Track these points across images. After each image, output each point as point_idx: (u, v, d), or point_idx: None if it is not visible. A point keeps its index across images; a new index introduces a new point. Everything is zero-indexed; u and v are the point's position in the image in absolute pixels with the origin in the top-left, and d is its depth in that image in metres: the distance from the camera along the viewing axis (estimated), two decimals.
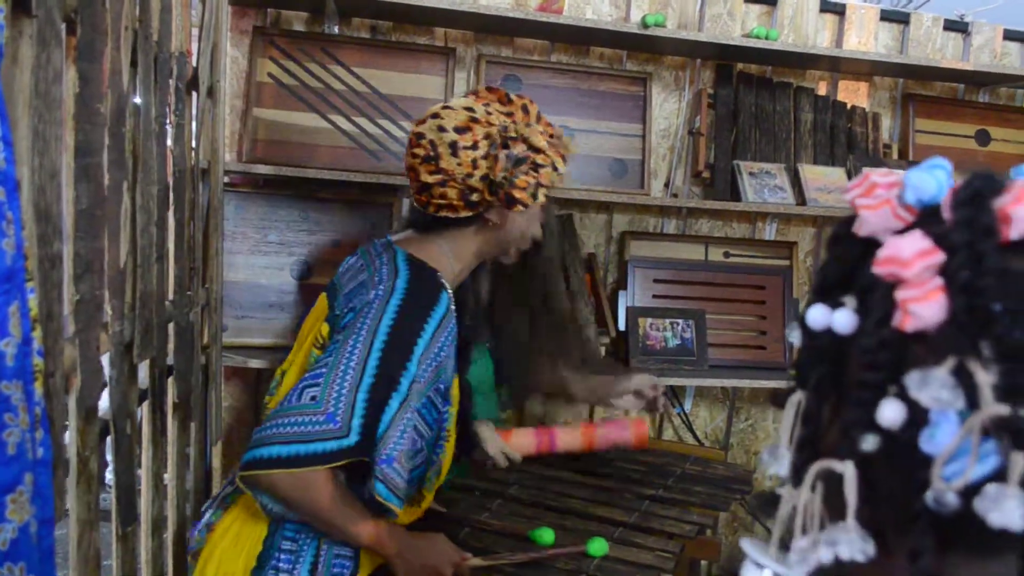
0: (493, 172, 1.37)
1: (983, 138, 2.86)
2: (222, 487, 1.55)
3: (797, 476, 0.47)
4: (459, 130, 1.39)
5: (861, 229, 0.47)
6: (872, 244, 0.46)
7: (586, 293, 2.48)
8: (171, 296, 1.66)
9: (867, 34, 2.75)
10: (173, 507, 1.78)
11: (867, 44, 2.75)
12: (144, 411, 1.64)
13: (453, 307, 1.41)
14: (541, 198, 1.41)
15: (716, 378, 2.49)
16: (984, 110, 2.88)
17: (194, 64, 1.87)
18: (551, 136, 1.44)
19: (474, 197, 1.40)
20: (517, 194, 1.37)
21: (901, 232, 0.45)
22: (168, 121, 1.59)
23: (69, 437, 1.14)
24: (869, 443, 0.43)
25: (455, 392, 1.49)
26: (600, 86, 2.55)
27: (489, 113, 1.42)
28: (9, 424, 0.66)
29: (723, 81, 2.65)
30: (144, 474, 1.61)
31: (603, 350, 2.50)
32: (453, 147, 1.38)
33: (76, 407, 1.16)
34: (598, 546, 1.44)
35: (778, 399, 0.51)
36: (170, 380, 1.71)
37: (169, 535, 1.79)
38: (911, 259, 0.42)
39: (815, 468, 0.45)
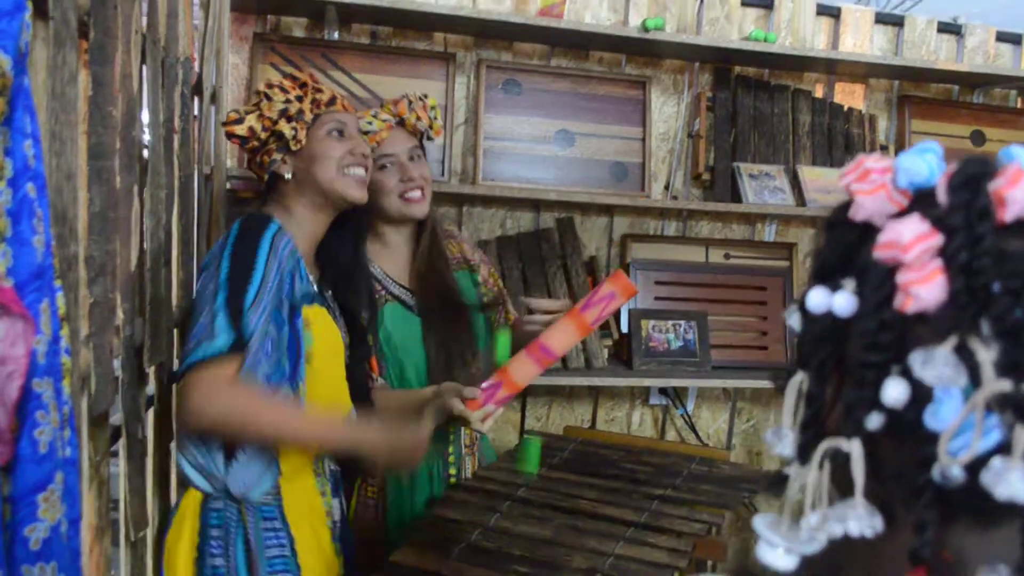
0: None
1: (978, 139, 2.89)
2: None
3: (803, 455, 0.48)
4: None
5: (857, 214, 0.47)
6: (868, 228, 0.47)
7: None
8: (176, 301, 1.65)
9: (862, 37, 2.77)
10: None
11: (863, 47, 2.77)
12: (151, 417, 1.63)
13: (285, 231, 1.47)
14: (287, 131, 1.50)
15: (719, 379, 2.50)
16: (979, 111, 2.91)
17: (197, 70, 1.87)
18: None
19: (257, 160, 1.54)
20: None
21: (896, 216, 0.46)
22: (173, 126, 1.59)
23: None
24: (874, 422, 0.44)
25: (318, 322, 1.50)
26: (600, 90, 2.56)
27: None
28: (41, 422, 0.65)
29: (721, 84, 2.67)
30: (149, 480, 1.61)
31: (606, 352, 2.50)
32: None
33: (88, 411, 1.16)
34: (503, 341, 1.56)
35: (778, 382, 0.52)
36: (175, 387, 1.71)
37: None
38: (910, 243, 0.43)
39: (823, 447, 0.46)
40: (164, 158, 1.50)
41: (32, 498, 0.66)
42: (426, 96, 1.79)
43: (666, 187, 2.67)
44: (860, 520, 0.44)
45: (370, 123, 1.74)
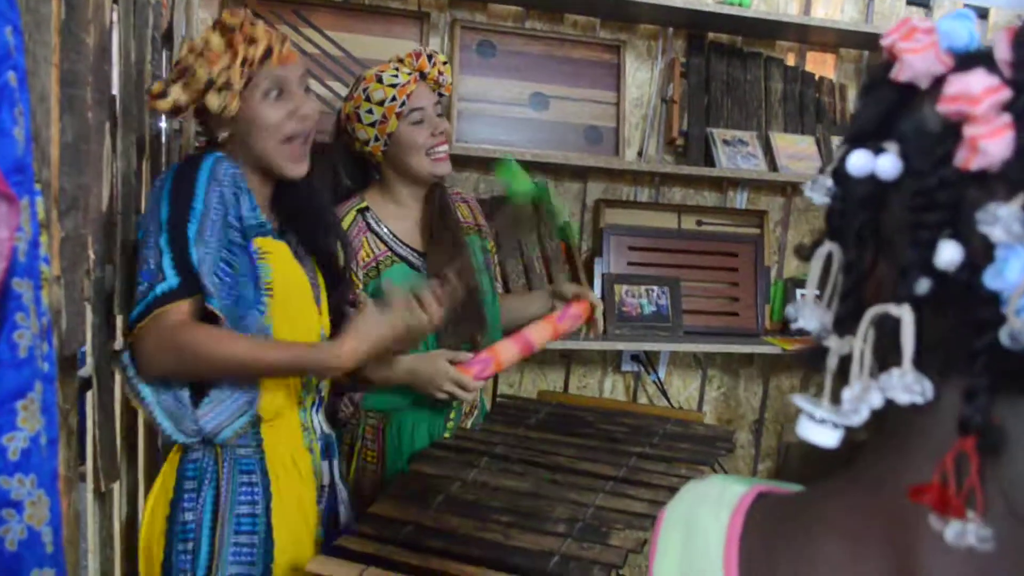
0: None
1: None
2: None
3: (843, 325, 0.46)
4: None
5: (901, 74, 0.46)
6: (909, 89, 0.46)
7: (562, 260, 2.48)
8: None
9: (833, 7, 2.79)
10: (144, 473, 1.73)
11: (834, 16, 2.78)
12: (117, 373, 1.59)
13: (227, 159, 1.38)
14: (214, 104, 1.35)
15: (691, 343, 2.51)
16: None
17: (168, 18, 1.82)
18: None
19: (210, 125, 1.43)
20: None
21: (942, 78, 0.45)
22: (143, 69, 1.54)
23: None
24: (923, 286, 0.43)
25: (276, 253, 1.42)
26: (574, 53, 2.54)
27: None
28: (20, 324, 0.62)
29: (695, 51, 2.66)
30: (117, 438, 1.56)
31: None
32: None
33: (57, 354, 1.11)
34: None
35: (803, 253, 0.50)
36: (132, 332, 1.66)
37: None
38: (981, 95, 0.41)
39: (870, 313, 0.44)
40: (135, 99, 1.45)
41: (12, 404, 0.62)
42: (437, 52, 1.76)
43: (639, 153, 2.66)
44: (910, 388, 0.42)
45: (395, 75, 1.69)
